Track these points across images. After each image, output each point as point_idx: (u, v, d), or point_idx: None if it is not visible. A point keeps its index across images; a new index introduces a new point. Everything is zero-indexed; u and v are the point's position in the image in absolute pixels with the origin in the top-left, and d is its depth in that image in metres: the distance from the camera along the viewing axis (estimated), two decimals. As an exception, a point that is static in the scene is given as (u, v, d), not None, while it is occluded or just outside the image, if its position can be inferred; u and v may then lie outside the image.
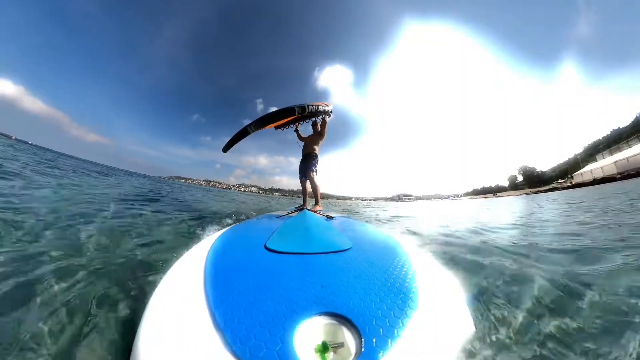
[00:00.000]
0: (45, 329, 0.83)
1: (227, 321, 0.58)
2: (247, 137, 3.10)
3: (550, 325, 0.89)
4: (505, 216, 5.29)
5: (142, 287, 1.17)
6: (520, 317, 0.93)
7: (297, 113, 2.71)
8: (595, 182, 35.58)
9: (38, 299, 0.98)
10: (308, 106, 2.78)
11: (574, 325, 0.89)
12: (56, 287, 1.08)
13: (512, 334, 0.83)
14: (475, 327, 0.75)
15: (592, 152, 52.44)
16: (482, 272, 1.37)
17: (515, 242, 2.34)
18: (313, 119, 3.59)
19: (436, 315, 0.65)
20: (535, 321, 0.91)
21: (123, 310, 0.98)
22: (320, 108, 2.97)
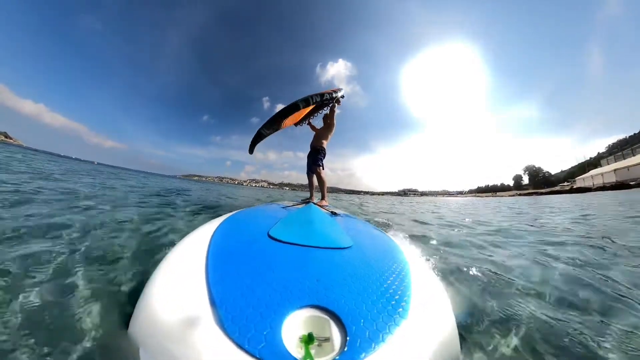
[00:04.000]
0: (54, 293, 0.89)
1: (223, 300, 0.59)
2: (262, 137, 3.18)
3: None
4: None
5: (149, 261, 1.21)
6: (510, 342, 0.87)
7: (301, 107, 2.70)
8: (573, 190, 37.26)
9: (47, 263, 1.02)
10: (312, 97, 2.75)
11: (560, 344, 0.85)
12: (69, 254, 1.11)
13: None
14: (461, 349, 0.72)
15: (613, 152, 49.86)
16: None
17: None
18: (323, 112, 3.46)
19: (424, 329, 0.63)
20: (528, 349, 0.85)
21: (128, 280, 1.04)
22: (326, 96, 2.91)
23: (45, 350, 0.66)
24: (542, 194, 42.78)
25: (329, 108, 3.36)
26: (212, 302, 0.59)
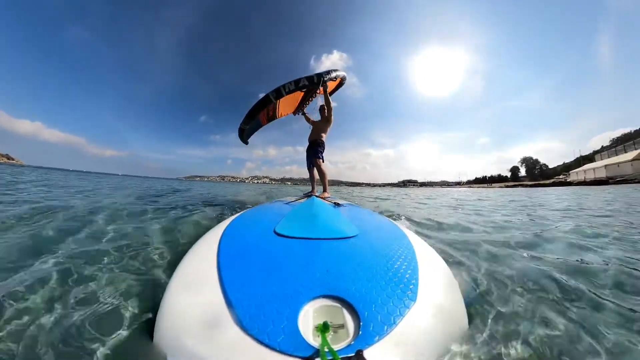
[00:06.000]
0: (79, 295, 0.92)
1: (238, 299, 0.61)
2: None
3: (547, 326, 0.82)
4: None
5: (164, 267, 1.22)
6: (519, 321, 0.85)
7: (273, 100, 2.64)
8: (556, 184, 40.26)
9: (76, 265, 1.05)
10: (284, 87, 2.67)
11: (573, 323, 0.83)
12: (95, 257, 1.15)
13: (505, 337, 0.77)
14: (469, 327, 0.74)
15: (612, 146, 49.80)
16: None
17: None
18: (320, 104, 3.36)
19: (433, 310, 0.64)
20: (536, 326, 0.82)
21: (146, 290, 1.02)
22: (303, 82, 2.76)
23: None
24: (527, 185, 44.65)
25: (322, 97, 3.21)
26: (229, 303, 0.61)
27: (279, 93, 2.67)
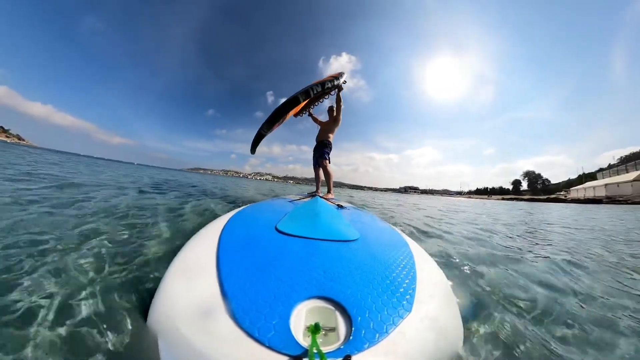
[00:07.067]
0: (75, 281, 0.91)
1: (234, 292, 0.62)
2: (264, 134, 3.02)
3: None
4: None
5: (164, 256, 1.23)
6: (514, 340, 0.84)
7: (301, 100, 2.56)
8: (550, 200, 40.62)
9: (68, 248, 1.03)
10: (312, 88, 2.60)
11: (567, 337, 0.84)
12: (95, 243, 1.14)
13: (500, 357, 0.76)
14: (464, 345, 0.73)
15: (613, 165, 49.81)
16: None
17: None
18: (326, 102, 3.26)
19: (427, 323, 0.63)
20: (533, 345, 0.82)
21: (144, 276, 1.02)
22: (327, 84, 2.75)
23: (64, 342, 0.65)
24: (523, 199, 44.96)
25: (334, 97, 3.26)
26: (224, 294, 0.61)
27: (307, 94, 2.59)
